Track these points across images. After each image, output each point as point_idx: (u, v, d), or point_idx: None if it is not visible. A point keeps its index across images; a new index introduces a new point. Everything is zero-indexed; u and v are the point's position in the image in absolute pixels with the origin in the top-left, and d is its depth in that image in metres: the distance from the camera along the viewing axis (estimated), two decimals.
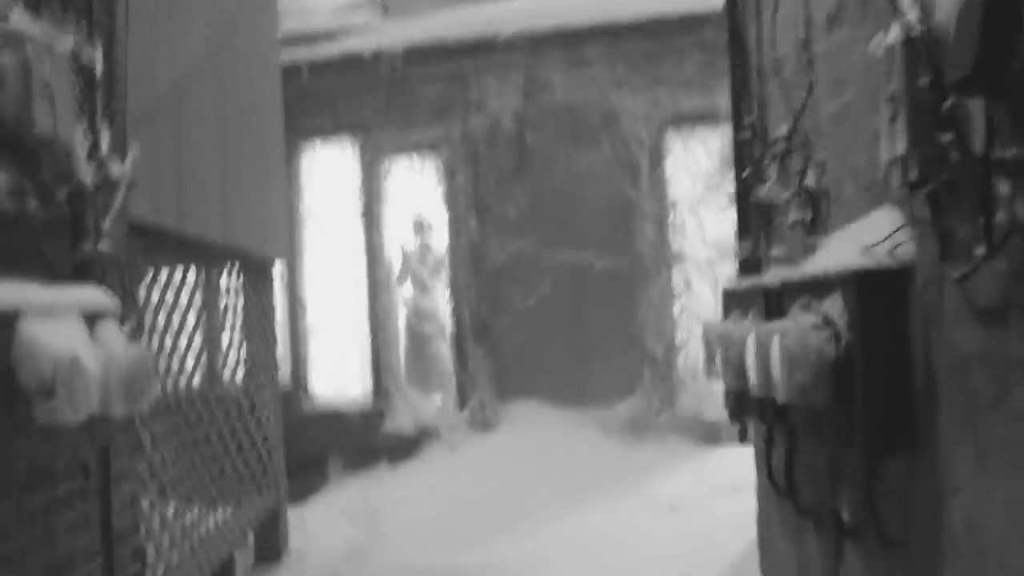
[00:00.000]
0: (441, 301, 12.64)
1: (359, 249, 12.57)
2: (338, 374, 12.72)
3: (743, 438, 4.44)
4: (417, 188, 12.68)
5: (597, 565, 7.27)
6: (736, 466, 9.03)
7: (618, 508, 8.58)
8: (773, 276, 3.57)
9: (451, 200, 12.26)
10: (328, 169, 12.76)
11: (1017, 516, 2.13)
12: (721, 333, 3.66)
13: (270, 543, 8.24)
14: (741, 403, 3.93)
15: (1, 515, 3.31)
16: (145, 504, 5.10)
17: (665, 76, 11.65)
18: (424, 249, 12.75)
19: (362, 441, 12.10)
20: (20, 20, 3.45)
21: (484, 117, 12.10)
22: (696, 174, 11.74)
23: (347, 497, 10.50)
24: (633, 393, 11.41)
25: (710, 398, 11.13)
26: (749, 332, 3.25)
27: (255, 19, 8.22)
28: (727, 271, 11.34)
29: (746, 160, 4.38)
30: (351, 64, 12.47)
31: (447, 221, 12.33)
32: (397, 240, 12.77)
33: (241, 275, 7.67)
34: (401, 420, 12.19)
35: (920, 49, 2.21)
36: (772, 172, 3.98)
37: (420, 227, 12.72)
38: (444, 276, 12.50)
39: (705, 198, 11.59)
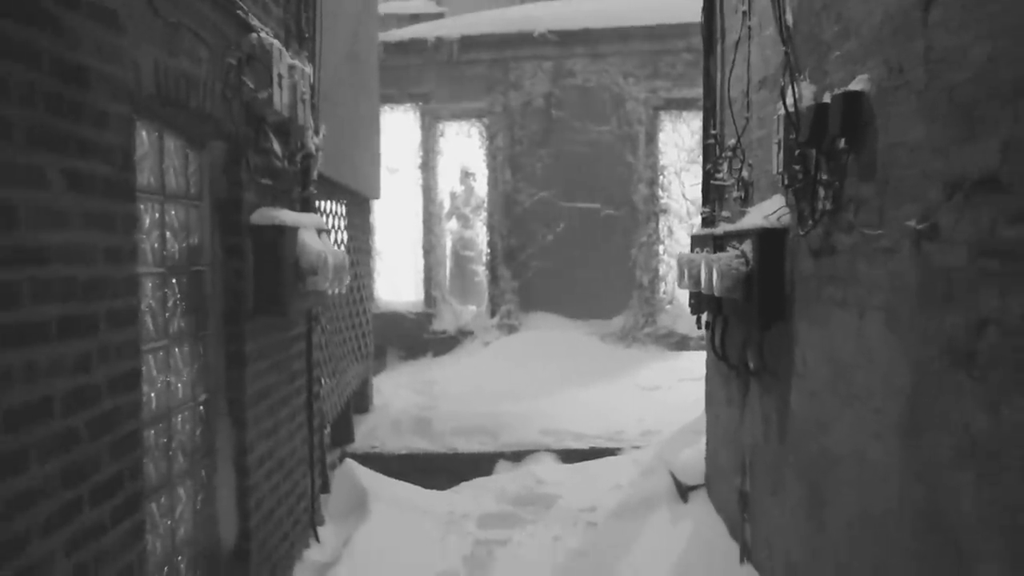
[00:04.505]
0: (480, 233, 14.25)
1: (417, 190, 14.14)
2: (396, 284, 14.35)
3: (699, 324, 6.11)
4: (465, 146, 14.20)
5: (595, 419, 8.99)
6: (698, 365, 10.70)
7: (610, 388, 10.26)
8: (720, 229, 5.26)
9: (491, 157, 13.79)
10: (395, 127, 14.19)
11: (820, 352, 3.88)
12: (688, 259, 5.37)
13: (362, 399, 9.98)
14: (698, 301, 5.67)
15: (276, 340, 5.07)
16: None
17: (662, 70, 13.19)
18: (468, 193, 14.30)
19: (413, 337, 13.81)
20: (291, 56, 5.13)
21: (520, 95, 13.60)
22: (681, 147, 13.32)
23: (405, 376, 12.21)
24: (624, 310, 13.11)
25: (681, 317, 12.84)
26: (702, 259, 4.97)
27: (368, 18, 9.78)
28: (698, 223, 12.96)
29: (710, 157, 6.06)
30: (417, 46, 13.90)
31: (487, 173, 13.86)
32: (447, 185, 14.31)
33: (352, 208, 9.34)
34: (445, 322, 13.85)
35: (792, 121, 3.89)
36: (724, 166, 5.67)
37: (466, 176, 14.24)
38: (483, 214, 14.07)
39: (687, 166, 13.20)
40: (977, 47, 2.56)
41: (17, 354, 2.32)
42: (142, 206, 3.49)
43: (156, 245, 3.66)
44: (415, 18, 17.94)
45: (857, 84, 3.37)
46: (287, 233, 4.63)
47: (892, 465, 3.07)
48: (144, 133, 3.51)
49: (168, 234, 3.80)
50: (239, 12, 4.29)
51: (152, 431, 3.60)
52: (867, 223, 3.30)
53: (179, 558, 3.94)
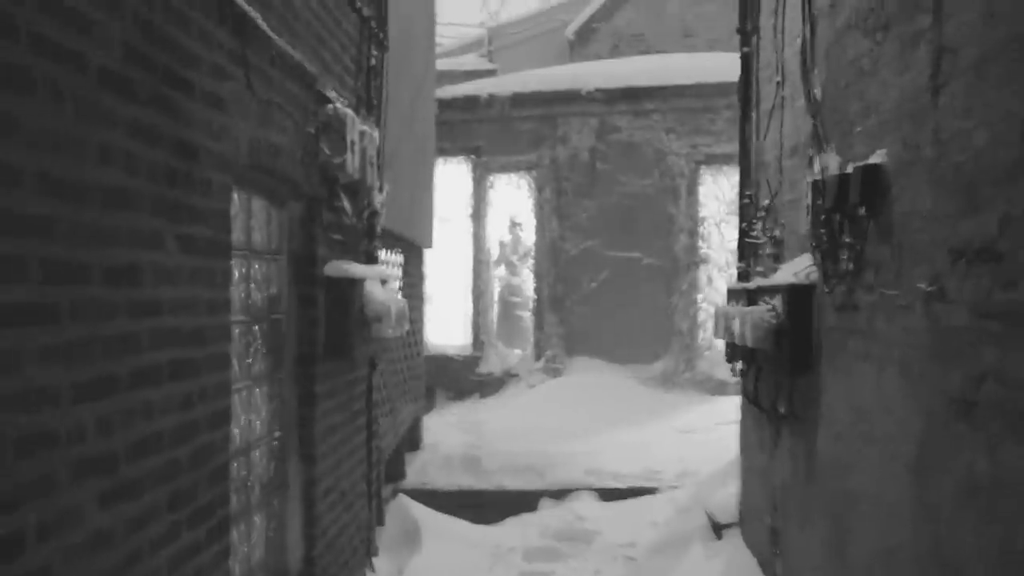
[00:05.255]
0: (526, 280, 14.51)
1: (467, 238, 14.46)
2: (446, 328, 14.59)
3: (733, 372, 6.34)
4: (513, 197, 14.51)
5: (634, 460, 9.16)
6: (734, 409, 10.84)
7: (649, 430, 10.40)
8: (753, 283, 5.51)
9: (538, 207, 14.08)
10: (447, 178, 14.49)
11: (844, 399, 4.10)
12: (724, 311, 5.63)
13: (413, 437, 10.24)
14: (733, 350, 5.90)
15: (342, 382, 5.38)
16: None
17: (702, 127, 13.45)
18: (516, 241, 14.60)
19: (461, 378, 14.06)
20: (361, 122, 5.48)
21: (567, 149, 13.90)
22: (721, 200, 13.51)
23: (453, 416, 12.45)
24: (664, 356, 13.26)
25: (719, 363, 12.94)
26: (737, 312, 5.22)
27: (428, 79, 10.19)
28: (735, 273, 13.12)
29: (745, 216, 6.32)
30: (470, 103, 14.30)
31: (534, 222, 14.16)
32: (496, 233, 14.62)
33: (408, 256, 9.68)
34: (491, 365, 14.09)
35: (819, 188, 4.15)
36: (758, 225, 5.92)
37: (514, 225, 14.56)
38: (530, 262, 14.35)
39: (726, 218, 13.37)
40: (979, 131, 2.81)
41: (139, 395, 2.64)
42: (233, 261, 3.83)
43: (242, 295, 4.00)
44: (469, 75, 18.49)
45: (876, 157, 3.63)
46: (356, 285, 4.96)
47: (905, 504, 3.28)
48: (236, 196, 3.87)
49: (252, 285, 4.14)
50: (319, 87, 4.66)
51: (235, 463, 3.91)
52: (884, 283, 3.54)
53: None
